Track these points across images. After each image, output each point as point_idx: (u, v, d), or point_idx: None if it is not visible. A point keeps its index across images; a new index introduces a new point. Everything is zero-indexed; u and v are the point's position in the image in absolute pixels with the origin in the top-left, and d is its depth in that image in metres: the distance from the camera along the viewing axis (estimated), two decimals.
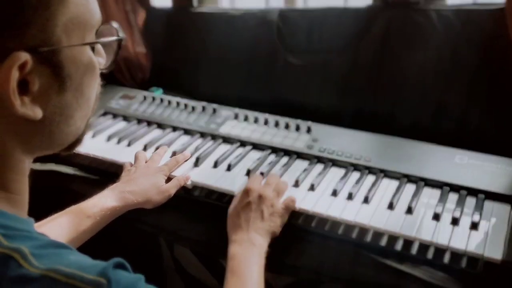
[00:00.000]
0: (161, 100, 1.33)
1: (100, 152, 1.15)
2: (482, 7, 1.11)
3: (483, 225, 0.85)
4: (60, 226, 0.82)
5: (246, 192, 0.89)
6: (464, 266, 0.80)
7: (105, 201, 0.88)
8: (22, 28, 0.45)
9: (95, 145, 1.18)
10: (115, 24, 0.59)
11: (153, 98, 1.35)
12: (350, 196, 0.93)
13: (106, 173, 1.12)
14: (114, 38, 0.58)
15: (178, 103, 1.31)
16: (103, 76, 0.60)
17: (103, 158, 1.14)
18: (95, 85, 0.56)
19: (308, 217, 0.92)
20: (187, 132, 1.22)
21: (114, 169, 1.10)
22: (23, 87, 0.47)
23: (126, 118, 1.30)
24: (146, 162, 1.04)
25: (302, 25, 1.34)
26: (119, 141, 1.19)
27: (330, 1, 1.38)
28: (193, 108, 1.28)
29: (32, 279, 0.43)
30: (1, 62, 0.45)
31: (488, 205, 0.90)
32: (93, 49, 0.53)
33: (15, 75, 0.45)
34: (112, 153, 1.14)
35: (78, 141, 0.58)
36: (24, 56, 0.45)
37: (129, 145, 1.17)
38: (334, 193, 0.95)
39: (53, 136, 0.53)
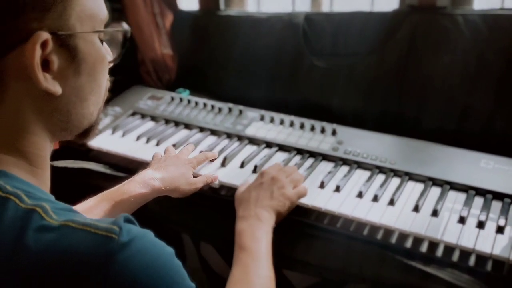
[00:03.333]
0: (188, 101, 1.36)
1: (129, 151, 1.19)
2: (510, 12, 1.11)
3: (509, 229, 0.85)
4: (90, 213, 0.85)
5: (261, 174, 0.94)
6: (490, 269, 0.80)
7: (134, 188, 0.91)
8: (43, 13, 0.52)
9: (124, 144, 1.22)
10: (121, 22, 0.66)
11: (180, 99, 1.38)
12: (375, 198, 0.95)
13: (135, 171, 1.14)
14: (120, 28, 0.65)
15: (205, 104, 1.33)
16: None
17: (133, 157, 1.17)
18: (105, 75, 0.63)
19: (334, 218, 0.94)
20: (213, 132, 1.24)
21: (143, 167, 1.12)
22: (45, 65, 0.54)
23: (154, 118, 1.34)
24: None
25: (328, 29, 1.36)
26: (147, 141, 1.22)
27: (356, 5, 1.38)
28: (220, 109, 1.30)
29: (52, 228, 0.49)
30: (26, 40, 0.51)
31: None
32: (101, 42, 0.61)
33: (38, 52, 0.52)
34: (141, 152, 1.18)
35: (92, 128, 0.65)
36: (46, 36, 0.52)
37: (157, 144, 1.20)
38: (360, 194, 0.96)
39: (70, 116, 0.59)
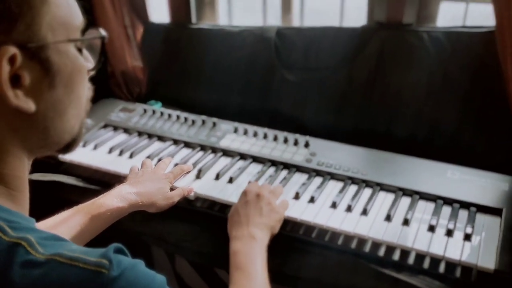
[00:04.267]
0: (161, 113, 1.36)
1: (102, 163, 1.18)
2: (471, 30, 1.17)
3: (476, 237, 0.89)
4: (66, 225, 0.84)
5: (245, 193, 0.95)
6: (459, 275, 0.84)
7: (111, 201, 0.91)
8: (9, 24, 0.48)
9: (97, 157, 1.21)
10: (98, 28, 0.62)
11: (153, 112, 1.38)
12: (349, 208, 0.97)
13: (108, 184, 1.14)
14: (95, 36, 0.61)
15: (178, 117, 1.34)
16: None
17: (106, 169, 1.16)
18: (84, 85, 0.59)
19: (309, 228, 0.96)
20: (187, 145, 1.25)
21: (116, 180, 1.11)
22: (16, 81, 0.50)
23: (126, 131, 1.33)
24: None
25: (299, 43, 1.39)
26: (120, 153, 1.21)
27: (326, 21, 1.42)
28: (193, 122, 1.31)
29: (39, 263, 0.47)
30: None
31: (480, 217, 0.95)
32: (79, 50, 0.57)
33: (6, 67, 0.48)
34: (114, 165, 1.17)
35: (74, 142, 0.61)
36: (13, 50, 0.48)
37: (131, 157, 1.20)
38: (334, 205, 0.99)
39: (48, 132, 0.55)
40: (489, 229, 0.92)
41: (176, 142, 1.27)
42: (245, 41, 1.47)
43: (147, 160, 1.11)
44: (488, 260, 0.84)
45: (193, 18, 1.62)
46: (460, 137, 1.18)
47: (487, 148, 1.13)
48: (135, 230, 1.06)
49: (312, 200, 1.00)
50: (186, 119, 1.33)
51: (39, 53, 0.51)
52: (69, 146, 0.61)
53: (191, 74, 1.54)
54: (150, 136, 1.30)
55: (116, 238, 0.93)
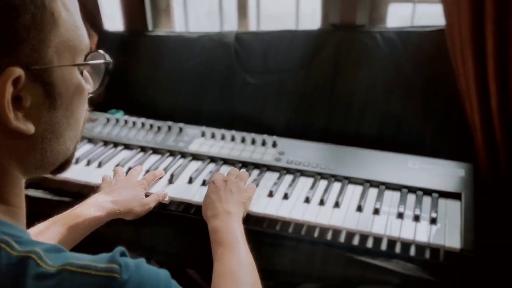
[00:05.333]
0: (125, 121, 1.36)
1: (70, 174, 1.16)
2: (421, 29, 1.25)
3: (440, 220, 0.96)
4: (43, 237, 0.83)
5: (213, 181, 1.00)
6: (428, 257, 0.90)
7: (89, 211, 0.91)
8: (16, 46, 0.48)
9: None
10: (102, 51, 0.63)
11: (117, 120, 1.37)
12: (322, 202, 1.02)
13: (79, 195, 1.13)
14: (102, 61, 0.61)
15: (143, 124, 1.34)
16: (90, 101, 0.64)
17: (75, 180, 1.15)
18: (84, 107, 0.59)
19: (285, 223, 0.99)
20: (156, 151, 1.25)
21: (87, 190, 1.11)
22: (17, 102, 0.49)
23: (91, 141, 1.32)
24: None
25: (258, 47, 1.43)
26: (88, 163, 1.20)
27: (282, 25, 1.47)
28: (159, 128, 1.32)
29: (51, 275, 0.47)
30: None
31: (442, 202, 1.02)
32: (81, 73, 0.57)
33: (9, 89, 0.47)
34: (83, 175, 1.16)
35: (67, 162, 0.61)
36: (18, 72, 0.48)
37: (99, 166, 1.19)
38: (307, 200, 1.03)
39: (45, 154, 0.55)
40: (451, 212, 0.99)
41: (143, 149, 1.27)
42: (204, 46, 1.49)
43: (119, 168, 1.11)
44: (453, 241, 0.91)
45: (149, 26, 1.63)
46: (416, 130, 1.25)
47: (442, 139, 1.21)
48: (110, 236, 1.05)
49: (285, 196, 1.04)
50: (151, 125, 1.33)
51: (43, 75, 0.50)
52: (61, 167, 0.60)
53: (151, 81, 1.55)
54: (116, 144, 1.30)
55: (90, 245, 0.94)
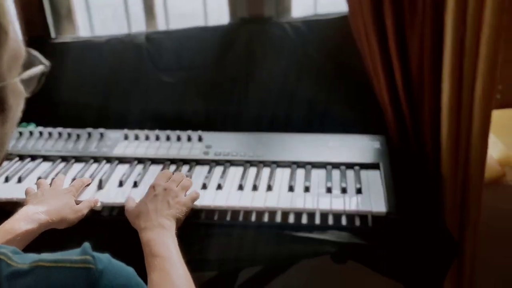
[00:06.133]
0: (40, 133, 1.30)
1: None
2: (326, 17, 1.33)
3: (365, 189, 1.04)
4: None
5: (153, 187, 0.98)
6: (359, 224, 0.97)
7: (19, 225, 0.87)
8: None
9: None
10: (33, 52, 0.62)
11: (31, 133, 1.31)
12: (255, 187, 1.06)
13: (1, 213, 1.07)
14: (42, 67, 0.60)
15: (60, 134, 1.29)
16: None
17: None
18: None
19: (223, 212, 1.02)
20: (78, 159, 1.22)
21: (9, 207, 1.05)
22: None
23: (5, 156, 1.24)
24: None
25: (170, 46, 1.44)
26: (7, 180, 1.14)
27: (190, 23, 1.48)
28: (78, 136, 1.28)
29: (25, 272, 0.48)
30: None
31: (364, 173, 1.10)
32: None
33: None
34: (3, 192, 1.09)
35: None
36: None
37: (19, 181, 1.13)
38: (241, 187, 1.06)
39: None
40: (373, 181, 1.07)
41: (64, 159, 1.22)
42: (114, 50, 1.47)
43: (42, 180, 1.07)
44: (379, 206, 0.99)
45: (52, 33, 1.56)
46: (331, 111, 1.33)
47: (356, 116, 1.30)
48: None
49: (219, 187, 1.06)
50: (69, 134, 1.29)
51: None
52: None
53: (61, 90, 1.49)
54: (33, 157, 1.24)
55: None
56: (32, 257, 0.49)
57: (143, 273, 0.78)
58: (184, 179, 1.03)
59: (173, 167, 1.17)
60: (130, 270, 0.54)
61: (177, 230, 0.91)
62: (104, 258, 0.51)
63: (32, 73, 0.56)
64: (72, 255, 0.50)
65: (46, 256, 0.49)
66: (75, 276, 0.48)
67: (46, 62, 0.60)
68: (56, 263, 0.48)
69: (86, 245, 0.52)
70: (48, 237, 0.96)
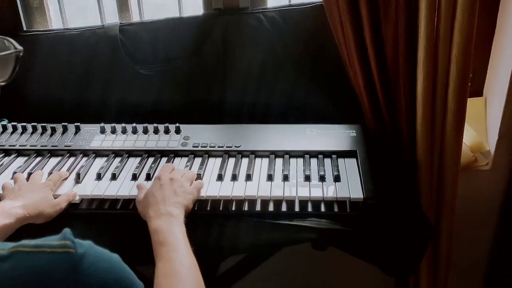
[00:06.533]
0: (14, 127, 1.28)
1: None
2: (301, 6, 1.34)
3: (343, 177, 1.06)
4: None
5: (158, 178, 0.98)
6: (337, 210, 0.99)
7: None
8: None
9: None
10: (9, 39, 0.61)
11: (3, 127, 1.28)
12: (234, 177, 1.06)
13: None
14: (13, 50, 0.60)
15: (34, 128, 1.27)
16: None
17: None
18: None
19: (203, 202, 1.02)
20: (54, 153, 1.20)
21: None
22: None
23: None
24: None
25: (145, 37, 1.42)
26: None
27: (165, 14, 1.47)
28: (54, 130, 1.26)
29: (4, 257, 0.48)
30: None
31: (341, 161, 1.12)
32: None
33: None
34: None
35: None
36: None
37: None
38: (220, 177, 1.06)
39: None
40: (350, 168, 1.09)
41: (40, 153, 1.21)
42: (88, 42, 1.45)
43: (18, 174, 1.06)
44: (356, 192, 1.00)
45: (23, 25, 1.53)
46: (307, 100, 1.35)
47: (332, 105, 1.32)
48: None
49: (198, 177, 1.07)
50: (44, 128, 1.27)
51: None
52: None
53: (34, 84, 1.46)
54: (7, 152, 1.21)
55: None
56: (10, 244, 0.49)
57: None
58: (187, 171, 1.04)
59: (151, 160, 1.16)
60: (114, 256, 0.54)
61: (186, 219, 0.92)
62: (85, 243, 0.51)
63: (4, 54, 0.56)
64: (52, 240, 0.50)
65: (25, 242, 0.49)
66: (55, 261, 0.48)
67: (20, 47, 0.60)
68: (36, 248, 0.48)
69: (66, 230, 0.51)
70: (26, 232, 0.95)
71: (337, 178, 1.05)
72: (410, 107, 1.12)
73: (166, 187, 0.95)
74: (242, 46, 1.38)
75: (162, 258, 0.78)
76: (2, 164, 1.16)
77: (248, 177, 1.06)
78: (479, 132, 1.38)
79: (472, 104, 1.38)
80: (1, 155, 1.20)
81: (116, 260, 0.53)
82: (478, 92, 1.43)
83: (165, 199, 0.92)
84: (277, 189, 1.02)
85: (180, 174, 1.01)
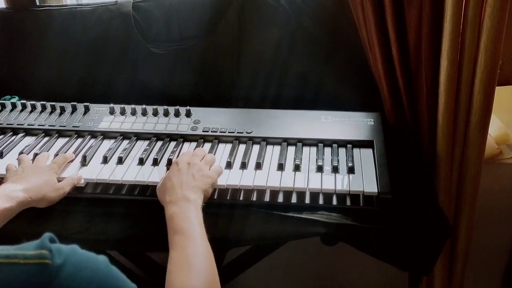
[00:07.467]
0: (24, 105, 1.25)
1: None
2: None
3: (357, 168, 1.01)
4: None
5: (176, 163, 0.95)
6: (350, 204, 0.94)
7: None
8: None
9: None
10: None
11: (13, 106, 1.26)
12: (244, 165, 1.02)
13: None
14: None
15: (44, 106, 1.25)
16: None
17: None
18: None
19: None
20: (62, 134, 1.17)
21: None
22: None
23: None
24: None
25: (159, 15, 1.37)
26: None
27: None
28: (63, 109, 1.23)
29: None
30: None
31: (356, 151, 1.07)
32: None
33: None
34: None
35: None
36: None
37: (0, 157, 1.09)
38: (229, 165, 1.03)
39: None
40: (365, 160, 1.04)
41: (48, 133, 1.18)
42: (100, 18, 1.40)
43: (23, 155, 1.04)
44: (371, 186, 0.95)
45: (37, 1, 1.50)
46: (324, 85, 1.29)
47: (350, 91, 1.25)
48: (28, 232, 0.97)
49: None
50: (53, 107, 1.24)
51: None
52: None
53: (45, 61, 1.43)
54: (15, 131, 1.19)
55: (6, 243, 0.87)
56: None
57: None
58: (207, 154, 1.01)
59: (159, 143, 1.12)
60: (101, 260, 0.50)
61: (204, 203, 0.89)
62: (66, 250, 0.47)
63: None
64: (28, 248, 0.45)
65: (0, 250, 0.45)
66: (30, 274, 0.44)
67: None
68: (9, 259, 0.44)
69: (46, 236, 0.47)
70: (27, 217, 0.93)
71: (351, 170, 1.00)
72: (432, 95, 1.06)
73: (183, 172, 0.92)
74: (258, 27, 1.32)
75: (176, 246, 0.76)
76: (9, 143, 1.14)
77: (258, 166, 1.02)
78: (506, 123, 1.30)
79: (500, 93, 1.30)
80: (9, 134, 1.19)
81: (102, 267, 0.49)
82: (506, 80, 1.35)
83: (182, 184, 0.89)
84: (287, 180, 0.98)
85: (199, 157, 0.98)
